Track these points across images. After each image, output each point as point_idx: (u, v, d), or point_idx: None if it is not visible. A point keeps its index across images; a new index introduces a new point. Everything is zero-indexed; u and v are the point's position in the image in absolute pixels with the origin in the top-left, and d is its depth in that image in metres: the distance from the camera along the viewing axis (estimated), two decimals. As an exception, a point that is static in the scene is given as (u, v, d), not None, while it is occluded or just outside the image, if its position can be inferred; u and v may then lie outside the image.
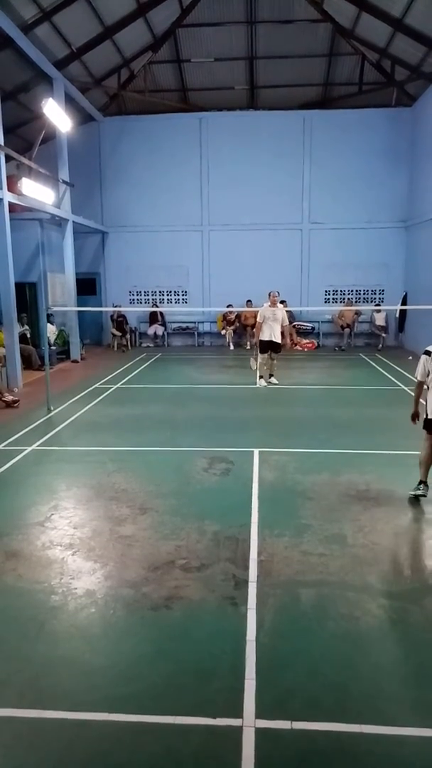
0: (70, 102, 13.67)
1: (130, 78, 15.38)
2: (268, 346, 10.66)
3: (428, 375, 5.09)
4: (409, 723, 2.65)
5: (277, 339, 10.67)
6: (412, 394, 5.44)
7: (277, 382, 10.71)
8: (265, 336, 10.62)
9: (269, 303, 10.62)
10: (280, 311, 10.79)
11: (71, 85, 13.43)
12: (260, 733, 2.57)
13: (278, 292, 10.97)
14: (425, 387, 5.12)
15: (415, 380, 5.24)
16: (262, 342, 10.67)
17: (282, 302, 15.02)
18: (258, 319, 10.70)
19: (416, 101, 15.20)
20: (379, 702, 2.78)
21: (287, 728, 2.60)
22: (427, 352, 5.19)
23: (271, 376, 10.82)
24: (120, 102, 16.30)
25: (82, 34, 12.66)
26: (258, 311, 10.80)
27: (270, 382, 10.68)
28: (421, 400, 5.17)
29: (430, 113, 13.88)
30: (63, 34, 12.17)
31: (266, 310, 10.56)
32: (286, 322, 11.60)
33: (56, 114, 11.97)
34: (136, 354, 15.12)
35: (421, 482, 5.13)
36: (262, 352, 10.76)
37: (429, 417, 5.07)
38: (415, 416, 5.22)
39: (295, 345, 15.64)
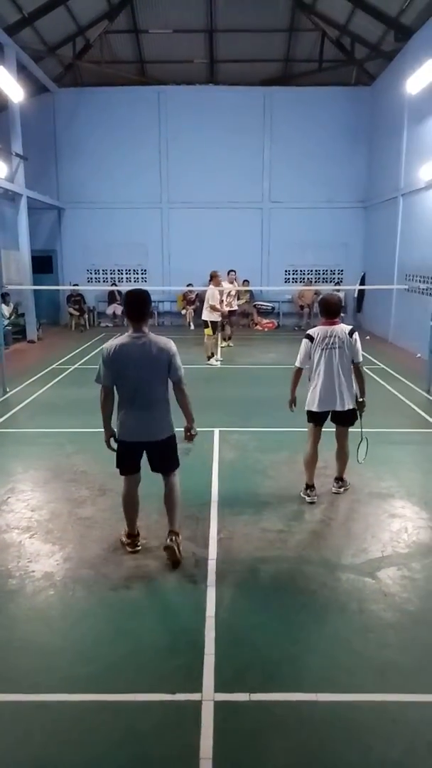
0: (22, 71, 13.10)
1: (86, 48, 14.85)
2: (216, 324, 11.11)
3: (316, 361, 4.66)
4: (362, 689, 2.75)
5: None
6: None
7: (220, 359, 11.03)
8: (216, 316, 10.89)
9: (212, 282, 10.89)
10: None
11: (23, 52, 12.86)
12: (219, 706, 2.62)
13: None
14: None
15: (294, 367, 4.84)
16: (214, 322, 10.85)
17: (245, 281, 15.14)
18: (212, 301, 10.73)
19: (375, 80, 15.24)
20: (333, 671, 2.87)
21: (245, 700, 2.66)
22: (309, 337, 4.72)
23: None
24: (75, 73, 15.75)
25: (34, -1, 12.11)
26: (213, 294, 10.80)
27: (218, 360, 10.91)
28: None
29: (388, 92, 13.95)
30: (13, -3, 11.61)
31: (216, 291, 10.71)
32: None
33: (7, 83, 11.45)
34: (94, 334, 14.88)
35: (308, 487, 4.86)
36: (215, 332, 10.99)
37: (311, 409, 4.74)
38: (292, 403, 4.90)
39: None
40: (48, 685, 2.76)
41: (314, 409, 4.72)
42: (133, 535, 3.98)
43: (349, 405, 4.66)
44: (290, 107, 15.87)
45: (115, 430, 3.77)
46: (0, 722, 2.57)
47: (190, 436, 3.87)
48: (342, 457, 4.92)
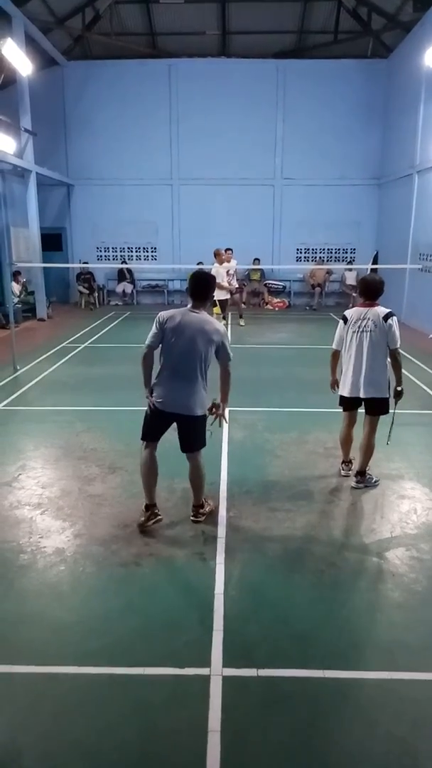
0: (30, 43, 12.88)
1: (95, 19, 14.54)
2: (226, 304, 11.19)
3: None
4: (369, 667, 2.78)
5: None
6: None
7: None
8: (223, 294, 10.87)
9: (217, 260, 10.97)
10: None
11: (32, 24, 12.62)
12: (227, 681, 2.65)
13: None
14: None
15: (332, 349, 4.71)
16: (222, 301, 10.83)
17: (255, 260, 14.99)
18: (218, 280, 10.64)
19: (392, 52, 14.82)
20: (341, 649, 2.89)
21: (253, 675, 2.69)
22: (344, 318, 4.59)
23: None
24: (85, 45, 15.46)
25: (43, -32, 11.85)
26: (217, 271, 10.73)
27: None
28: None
29: (405, 65, 13.57)
30: (21, -34, 11.37)
31: (221, 268, 10.67)
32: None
33: (16, 56, 11.27)
34: (104, 312, 14.85)
35: (343, 462, 4.91)
36: (223, 310, 11.01)
37: (342, 394, 4.63)
38: (334, 384, 4.76)
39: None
40: (59, 657, 2.80)
41: (345, 393, 4.59)
42: (151, 505, 3.96)
43: (372, 393, 4.43)
44: (304, 80, 15.51)
45: (152, 394, 3.84)
46: (13, 692, 2.62)
47: (215, 410, 3.94)
48: (365, 448, 4.59)
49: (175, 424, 3.88)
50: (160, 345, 3.78)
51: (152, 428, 3.89)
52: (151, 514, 3.95)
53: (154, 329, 3.78)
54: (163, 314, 3.80)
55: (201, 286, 3.85)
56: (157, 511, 3.98)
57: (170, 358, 3.76)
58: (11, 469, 5.03)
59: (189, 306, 3.85)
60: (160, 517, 3.98)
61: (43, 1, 12.87)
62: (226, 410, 4.02)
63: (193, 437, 3.90)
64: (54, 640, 2.94)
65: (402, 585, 3.40)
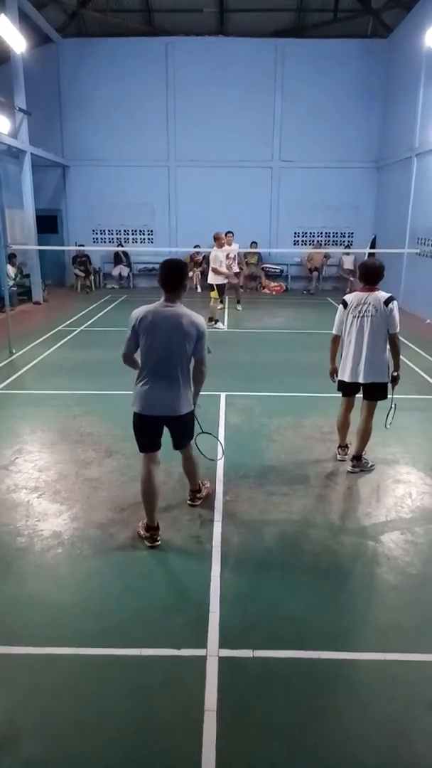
0: (24, 20, 12.60)
1: (90, -6, 14.22)
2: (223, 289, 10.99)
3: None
4: (363, 648, 2.82)
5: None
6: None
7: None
8: (221, 279, 10.71)
9: (217, 245, 10.75)
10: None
11: (25, 0, 12.34)
12: (223, 661, 2.69)
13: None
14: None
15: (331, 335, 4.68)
16: (220, 285, 10.71)
17: (253, 243, 14.86)
18: (215, 264, 10.55)
19: (392, 32, 14.57)
20: (335, 631, 2.93)
21: (249, 656, 2.73)
22: (344, 302, 4.56)
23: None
24: (80, 22, 15.12)
25: None
26: (216, 255, 10.60)
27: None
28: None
29: (405, 46, 13.35)
30: None
31: (220, 252, 10.51)
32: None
33: (9, 32, 11.02)
34: (100, 295, 14.76)
35: (339, 446, 4.94)
36: (221, 295, 10.85)
37: (342, 379, 4.62)
38: (333, 373, 4.77)
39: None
40: (57, 639, 2.83)
41: (345, 378, 4.57)
42: (152, 528, 3.64)
43: (372, 378, 4.44)
44: (303, 60, 15.25)
45: (134, 402, 3.58)
46: (11, 673, 2.65)
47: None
48: (361, 433, 4.61)
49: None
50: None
51: (145, 437, 3.63)
52: (151, 537, 3.62)
53: (128, 333, 3.49)
54: (136, 313, 3.48)
55: (173, 276, 3.48)
56: (157, 536, 3.63)
57: (149, 359, 3.49)
58: (8, 452, 5.03)
59: (162, 300, 3.51)
60: (158, 543, 3.61)
61: (36, -24, 12.59)
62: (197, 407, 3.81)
63: (184, 434, 3.77)
64: (52, 622, 2.97)
65: (397, 568, 3.44)
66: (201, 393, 3.77)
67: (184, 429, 3.73)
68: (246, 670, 2.66)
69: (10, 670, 2.67)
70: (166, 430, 3.70)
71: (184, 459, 3.94)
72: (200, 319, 3.55)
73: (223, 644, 2.79)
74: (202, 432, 3.97)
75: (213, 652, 2.74)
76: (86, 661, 2.71)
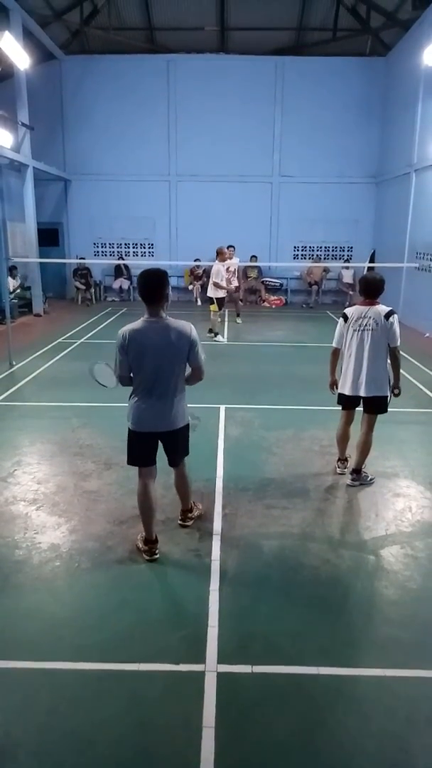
0: (28, 37, 12.80)
1: (93, 13, 14.46)
2: (223, 302, 11.04)
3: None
4: (363, 664, 2.79)
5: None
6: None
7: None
8: (221, 293, 10.79)
9: (219, 259, 10.81)
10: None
11: (29, 17, 12.55)
12: (222, 677, 2.66)
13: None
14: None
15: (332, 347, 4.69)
16: (219, 299, 10.77)
17: (253, 257, 14.95)
18: (216, 278, 10.60)
19: (391, 50, 14.80)
20: (335, 646, 2.91)
21: (248, 672, 2.70)
22: (344, 316, 4.57)
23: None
24: (83, 40, 15.36)
25: (41, -39, 11.78)
26: (218, 270, 10.67)
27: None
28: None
29: (403, 64, 13.55)
30: (19, -41, 11.30)
31: (221, 266, 10.59)
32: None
33: (14, 49, 11.20)
34: (101, 308, 14.82)
35: (339, 460, 4.94)
36: (220, 308, 10.91)
37: (342, 392, 4.61)
38: (333, 385, 4.75)
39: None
40: (54, 653, 2.81)
41: (345, 392, 4.57)
42: (150, 541, 3.61)
43: (374, 392, 4.43)
44: (302, 78, 15.47)
45: (128, 418, 3.54)
46: (7, 688, 2.62)
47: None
48: (361, 446, 4.61)
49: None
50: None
51: (139, 452, 3.57)
52: (150, 550, 3.60)
53: (118, 356, 3.41)
54: (123, 333, 3.37)
55: (151, 287, 3.34)
56: (156, 549, 3.61)
57: (142, 378, 3.41)
58: (7, 464, 5.03)
59: (146, 315, 3.39)
60: (157, 556, 3.58)
61: (41, -5, 12.81)
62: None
63: (180, 450, 3.70)
64: (49, 635, 2.94)
65: (396, 582, 3.42)
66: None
67: (178, 444, 3.66)
68: (244, 686, 2.63)
69: (7, 684, 2.64)
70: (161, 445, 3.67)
71: (176, 477, 3.87)
72: (187, 327, 3.43)
73: (221, 659, 2.77)
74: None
75: (211, 667, 2.72)
76: (83, 676, 2.68)
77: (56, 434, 5.77)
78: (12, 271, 13.12)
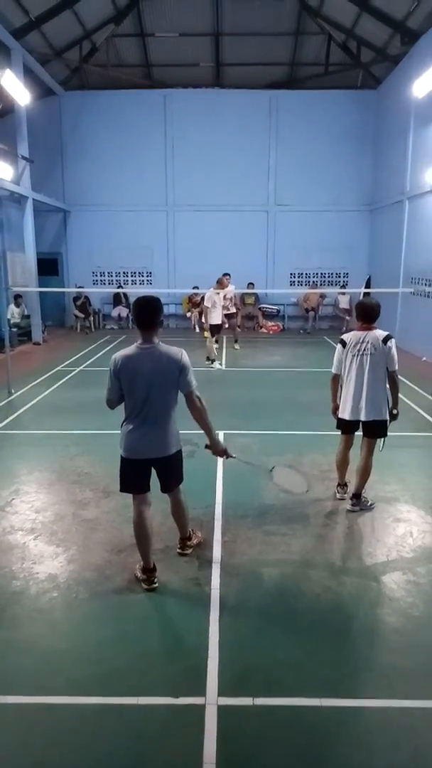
0: (29, 74, 13.18)
1: (92, 51, 14.90)
2: (218, 329, 11.13)
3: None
4: (367, 695, 2.73)
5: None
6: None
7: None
8: (216, 320, 10.88)
9: (215, 286, 10.95)
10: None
11: (30, 56, 12.93)
12: (223, 710, 2.61)
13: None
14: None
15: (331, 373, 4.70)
16: (214, 326, 10.85)
17: (250, 284, 15.11)
18: (207, 304, 10.73)
19: (381, 83, 15.24)
20: (337, 676, 2.85)
21: (249, 704, 2.65)
22: (342, 342, 4.59)
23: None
24: (82, 76, 15.80)
25: (41, 2, 12.17)
26: (210, 296, 10.80)
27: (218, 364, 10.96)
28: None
29: (394, 96, 13.94)
30: (20, 1, 11.67)
31: (214, 293, 10.71)
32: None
33: (14, 86, 11.52)
34: (99, 336, 14.90)
35: (339, 485, 4.93)
36: (213, 335, 10.97)
37: (342, 417, 4.62)
38: (335, 411, 4.74)
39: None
40: (51, 687, 2.75)
41: (346, 417, 4.57)
42: (149, 570, 3.57)
43: (373, 416, 4.44)
44: (296, 110, 15.88)
45: (120, 445, 3.53)
46: (3, 724, 2.56)
47: (217, 452, 3.66)
48: (361, 471, 4.60)
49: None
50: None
51: (132, 479, 3.54)
52: (148, 579, 3.56)
53: (108, 382, 3.44)
54: (115, 359, 3.41)
55: (145, 314, 3.38)
56: (154, 578, 3.56)
57: (134, 405, 3.41)
58: (5, 493, 4.99)
59: (139, 341, 3.42)
60: (156, 585, 3.54)
61: (42, 34, 13.19)
62: (221, 441, 3.76)
63: (173, 475, 3.67)
64: (46, 668, 2.89)
65: (399, 610, 3.37)
66: (198, 432, 3.70)
67: (171, 470, 3.63)
68: (246, 719, 2.57)
69: (4, 719, 2.59)
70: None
71: (172, 504, 3.83)
72: (178, 353, 3.43)
73: (222, 692, 2.71)
74: (233, 458, 3.85)
75: (212, 700, 2.66)
76: (81, 710, 2.62)
77: (54, 462, 5.75)
78: (17, 299, 13.24)
